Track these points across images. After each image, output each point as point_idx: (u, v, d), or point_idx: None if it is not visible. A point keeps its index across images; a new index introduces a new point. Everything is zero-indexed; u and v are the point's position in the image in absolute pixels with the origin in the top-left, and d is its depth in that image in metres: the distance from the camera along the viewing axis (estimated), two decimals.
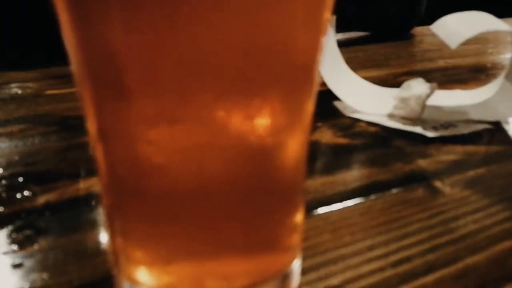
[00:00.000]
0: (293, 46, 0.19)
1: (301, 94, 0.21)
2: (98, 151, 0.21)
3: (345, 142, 0.39)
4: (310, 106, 0.21)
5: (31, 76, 0.61)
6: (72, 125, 0.45)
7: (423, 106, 0.42)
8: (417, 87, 0.42)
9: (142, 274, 0.21)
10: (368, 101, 0.46)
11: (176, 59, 0.18)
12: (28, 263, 0.25)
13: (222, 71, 0.18)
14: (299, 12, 0.19)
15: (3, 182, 0.34)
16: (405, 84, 0.44)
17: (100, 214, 0.30)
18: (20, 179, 0.34)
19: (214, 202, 0.20)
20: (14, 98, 0.54)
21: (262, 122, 0.20)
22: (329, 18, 0.20)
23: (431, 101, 0.43)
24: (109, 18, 0.17)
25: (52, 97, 0.54)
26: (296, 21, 0.19)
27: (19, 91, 0.56)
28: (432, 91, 0.42)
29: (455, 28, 0.41)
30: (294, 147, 0.21)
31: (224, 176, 0.20)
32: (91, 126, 0.21)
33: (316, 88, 0.21)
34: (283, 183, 0.21)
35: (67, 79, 0.58)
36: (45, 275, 0.24)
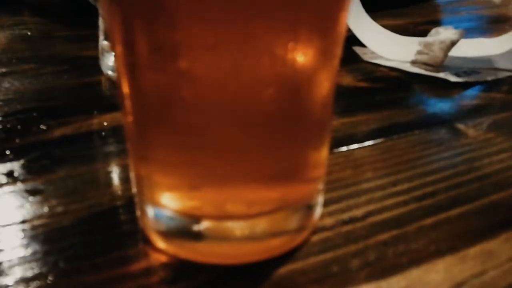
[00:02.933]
0: None
1: (333, 28, 0.20)
2: (124, 79, 0.20)
3: (366, 85, 0.39)
4: (340, 41, 0.21)
5: (41, 18, 0.60)
6: (83, 64, 0.44)
7: (446, 52, 0.41)
8: (444, 32, 0.41)
9: (166, 198, 0.21)
10: (391, 47, 0.45)
11: None
12: (47, 190, 0.25)
13: None
14: None
15: (18, 116, 0.34)
16: (434, 30, 0.43)
17: (118, 146, 0.29)
18: (34, 114, 0.34)
19: (241, 129, 0.19)
20: (24, 39, 0.53)
21: (296, 52, 0.19)
22: None
23: (454, 50, 0.41)
24: None
25: (63, 38, 0.53)
26: None
27: (29, 33, 0.55)
28: (458, 38, 0.40)
29: None
30: (324, 80, 0.21)
31: (252, 104, 0.19)
32: (119, 53, 0.20)
33: (346, 24, 0.20)
34: (312, 116, 0.21)
35: (77, 21, 0.57)
36: (64, 201, 0.24)
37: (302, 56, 0.19)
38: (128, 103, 0.21)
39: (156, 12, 0.18)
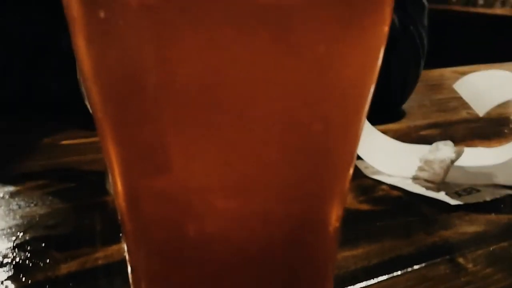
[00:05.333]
0: (333, 131, 0.20)
1: (340, 173, 0.21)
2: (126, 217, 0.21)
3: (367, 208, 0.39)
4: (346, 184, 0.21)
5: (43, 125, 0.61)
6: (91, 181, 0.45)
7: (446, 171, 0.42)
8: (444, 150, 0.42)
9: None
10: (392, 161, 0.46)
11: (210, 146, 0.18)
12: None
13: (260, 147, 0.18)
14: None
15: (26, 247, 0.34)
16: (434, 146, 0.44)
17: (123, 285, 0.30)
18: (43, 245, 0.35)
19: (243, 277, 0.20)
20: (31, 149, 0.53)
21: (300, 194, 0.20)
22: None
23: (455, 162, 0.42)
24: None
25: (67, 148, 0.53)
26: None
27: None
28: (457, 156, 0.41)
29: (483, 92, 0.41)
30: (330, 226, 0.21)
31: (258, 249, 0.20)
32: (119, 191, 0.21)
33: (353, 164, 0.21)
34: (318, 261, 0.22)
35: (80, 129, 0.58)
36: None
37: (306, 204, 0.20)
38: (128, 242, 0.21)
39: (164, 161, 0.19)
